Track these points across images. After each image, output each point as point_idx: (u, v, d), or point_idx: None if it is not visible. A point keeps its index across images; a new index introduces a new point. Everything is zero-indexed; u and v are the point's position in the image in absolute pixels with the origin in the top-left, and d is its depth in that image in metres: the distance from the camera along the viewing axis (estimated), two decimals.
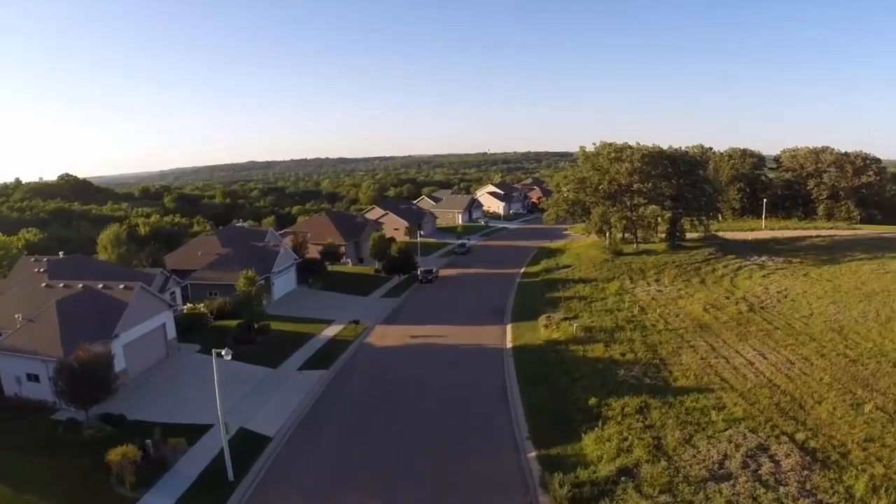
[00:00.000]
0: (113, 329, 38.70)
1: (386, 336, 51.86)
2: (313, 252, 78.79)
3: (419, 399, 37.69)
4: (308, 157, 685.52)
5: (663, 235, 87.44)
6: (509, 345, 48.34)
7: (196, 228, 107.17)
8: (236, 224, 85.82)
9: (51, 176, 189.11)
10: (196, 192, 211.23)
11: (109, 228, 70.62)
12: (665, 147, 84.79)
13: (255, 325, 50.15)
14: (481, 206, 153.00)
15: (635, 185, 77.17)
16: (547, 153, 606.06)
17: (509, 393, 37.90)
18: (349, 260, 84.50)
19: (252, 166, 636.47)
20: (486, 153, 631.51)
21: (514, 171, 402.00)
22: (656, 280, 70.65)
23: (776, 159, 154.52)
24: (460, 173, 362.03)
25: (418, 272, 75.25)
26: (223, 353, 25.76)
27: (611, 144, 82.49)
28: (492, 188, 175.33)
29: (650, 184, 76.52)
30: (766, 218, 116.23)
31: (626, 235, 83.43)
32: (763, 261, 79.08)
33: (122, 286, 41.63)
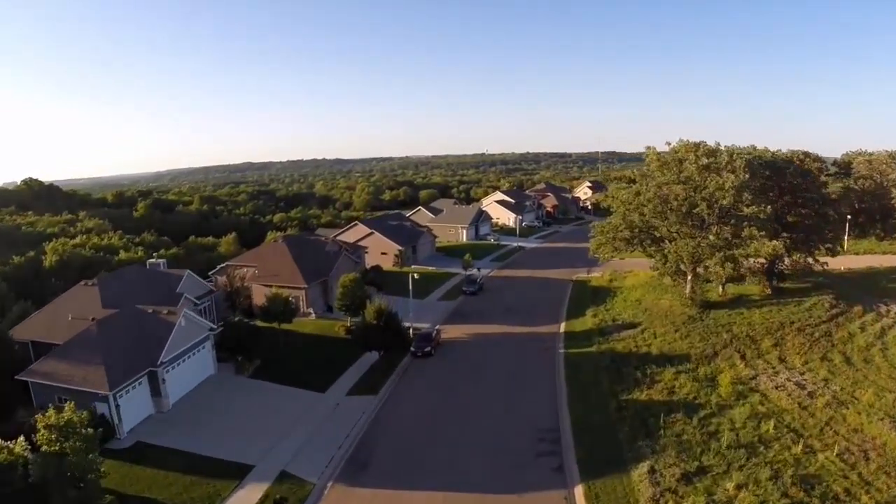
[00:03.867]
0: None
1: None
2: (259, 297, 53.90)
3: None
4: (305, 158, 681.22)
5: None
6: None
7: (123, 256, 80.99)
8: (150, 261, 58.54)
9: (56, 176, 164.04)
10: (174, 198, 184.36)
11: None
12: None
13: None
14: (489, 217, 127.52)
15: (747, 210, 49.26)
16: (546, 154, 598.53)
17: None
18: (312, 310, 58.96)
19: (248, 167, 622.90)
20: (484, 154, 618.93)
21: (514, 171, 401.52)
22: (780, 359, 45.33)
23: (835, 163, 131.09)
24: (459, 174, 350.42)
25: (410, 334, 50.45)
26: None
27: (697, 146, 54.45)
28: (500, 195, 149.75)
29: (768, 207, 49.39)
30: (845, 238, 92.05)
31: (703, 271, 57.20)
32: None
33: None
